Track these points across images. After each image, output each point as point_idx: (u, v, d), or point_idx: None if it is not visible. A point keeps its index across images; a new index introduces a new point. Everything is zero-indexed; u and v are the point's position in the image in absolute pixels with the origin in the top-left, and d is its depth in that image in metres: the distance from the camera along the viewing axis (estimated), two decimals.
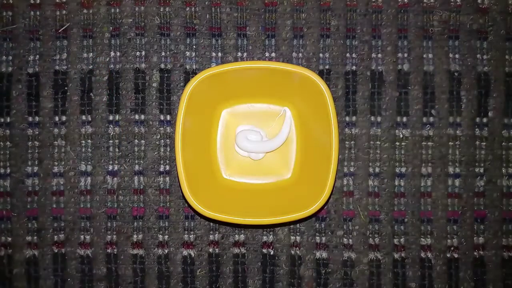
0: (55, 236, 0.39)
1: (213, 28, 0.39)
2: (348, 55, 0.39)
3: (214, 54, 0.39)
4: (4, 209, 0.39)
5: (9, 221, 0.39)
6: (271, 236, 0.39)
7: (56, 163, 0.39)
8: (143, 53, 0.39)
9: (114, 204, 0.39)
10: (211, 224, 0.39)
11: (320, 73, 0.39)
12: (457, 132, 0.39)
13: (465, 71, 0.39)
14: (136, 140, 0.39)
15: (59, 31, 0.39)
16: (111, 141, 0.39)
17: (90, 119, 0.39)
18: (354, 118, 0.39)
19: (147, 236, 0.39)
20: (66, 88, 0.39)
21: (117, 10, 0.39)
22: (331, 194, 0.39)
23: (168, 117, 0.39)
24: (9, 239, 0.39)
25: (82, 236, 0.39)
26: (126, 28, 0.39)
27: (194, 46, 0.39)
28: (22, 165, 0.39)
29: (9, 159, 0.39)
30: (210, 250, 0.39)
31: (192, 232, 0.39)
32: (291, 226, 0.39)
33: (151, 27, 0.39)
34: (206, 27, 0.39)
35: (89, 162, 0.39)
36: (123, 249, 0.39)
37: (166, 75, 0.39)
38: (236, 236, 0.39)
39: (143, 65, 0.39)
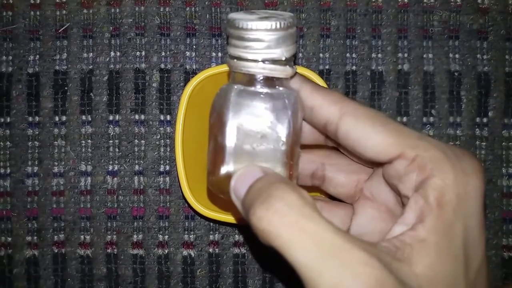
0: (55, 236, 0.39)
1: (213, 28, 0.39)
2: (348, 55, 0.39)
3: (214, 54, 0.39)
4: (4, 209, 0.39)
5: (9, 221, 0.39)
6: None
7: (56, 163, 0.39)
8: (143, 53, 0.39)
9: (114, 204, 0.39)
10: (211, 224, 0.39)
11: (320, 73, 0.39)
12: (457, 132, 0.39)
13: (465, 71, 0.39)
14: (136, 140, 0.39)
15: (59, 31, 0.39)
16: (111, 141, 0.39)
17: (90, 119, 0.39)
18: None
19: (147, 236, 0.39)
20: (66, 88, 0.39)
21: (117, 10, 0.39)
22: None
23: (168, 117, 0.39)
24: (9, 239, 0.39)
25: (82, 236, 0.39)
26: (126, 28, 0.39)
27: (194, 46, 0.39)
28: (22, 165, 0.39)
29: (9, 159, 0.39)
30: (210, 250, 0.39)
31: (192, 232, 0.39)
32: None
33: (151, 27, 0.39)
34: (206, 27, 0.39)
35: (89, 162, 0.39)
36: (123, 249, 0.39)
37: (166, 75, 0.39)
38: (236, 236, 0.39)
39: (143, 65, 0.39)
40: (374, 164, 0.25)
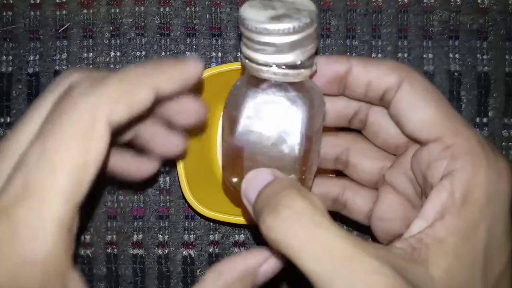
0: None
1: (213, 28, 0.39)
2: (348, 55, 0.39)
3: (214, 54, 0.39)
4: None
5: None
6: None
7: None
8: (143, 53, 0.39)
9: (114, 204, 0.39)
10: (211, 224, 0.39)
11: None
12: None
13: (465, 71, 0.39)
14: None
15: (59, 31, 0.39)
16: None
17: None
18: None
19: (147, 236, 0.39)
20: None
21: (117, 10, 0.39)
22: None
23: None
24: None
25: (82, 236, 0.39)
26: (126, 28, 0.39)
27: (194, 46, 0.39)
28: None
29: None
30: (210, 250, 0.39)
31: (192, 232, 0.39)
32: None
33: (151, 27, 0.39)
34: (206, 27, 0.39)
35: None
36: (123, 249, 0.39)
37: None
38: (236, 236, 0.39)
39: None
40: (412, 139, 0.24)
